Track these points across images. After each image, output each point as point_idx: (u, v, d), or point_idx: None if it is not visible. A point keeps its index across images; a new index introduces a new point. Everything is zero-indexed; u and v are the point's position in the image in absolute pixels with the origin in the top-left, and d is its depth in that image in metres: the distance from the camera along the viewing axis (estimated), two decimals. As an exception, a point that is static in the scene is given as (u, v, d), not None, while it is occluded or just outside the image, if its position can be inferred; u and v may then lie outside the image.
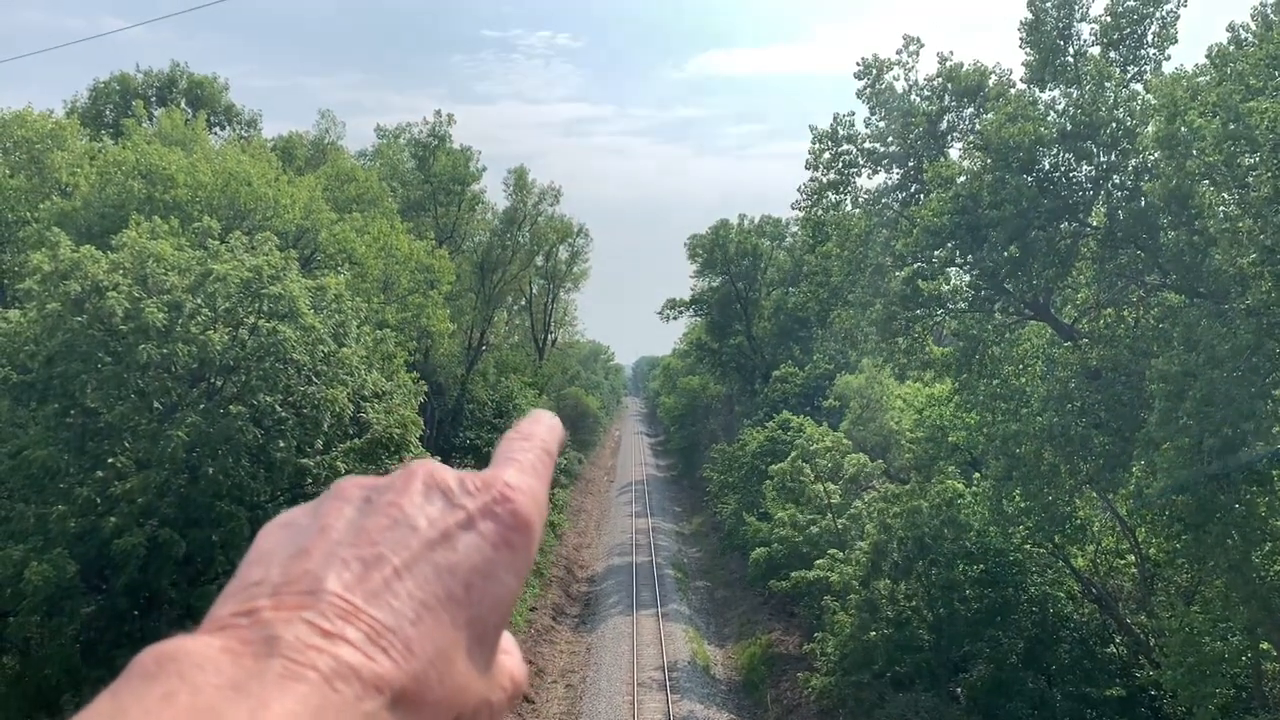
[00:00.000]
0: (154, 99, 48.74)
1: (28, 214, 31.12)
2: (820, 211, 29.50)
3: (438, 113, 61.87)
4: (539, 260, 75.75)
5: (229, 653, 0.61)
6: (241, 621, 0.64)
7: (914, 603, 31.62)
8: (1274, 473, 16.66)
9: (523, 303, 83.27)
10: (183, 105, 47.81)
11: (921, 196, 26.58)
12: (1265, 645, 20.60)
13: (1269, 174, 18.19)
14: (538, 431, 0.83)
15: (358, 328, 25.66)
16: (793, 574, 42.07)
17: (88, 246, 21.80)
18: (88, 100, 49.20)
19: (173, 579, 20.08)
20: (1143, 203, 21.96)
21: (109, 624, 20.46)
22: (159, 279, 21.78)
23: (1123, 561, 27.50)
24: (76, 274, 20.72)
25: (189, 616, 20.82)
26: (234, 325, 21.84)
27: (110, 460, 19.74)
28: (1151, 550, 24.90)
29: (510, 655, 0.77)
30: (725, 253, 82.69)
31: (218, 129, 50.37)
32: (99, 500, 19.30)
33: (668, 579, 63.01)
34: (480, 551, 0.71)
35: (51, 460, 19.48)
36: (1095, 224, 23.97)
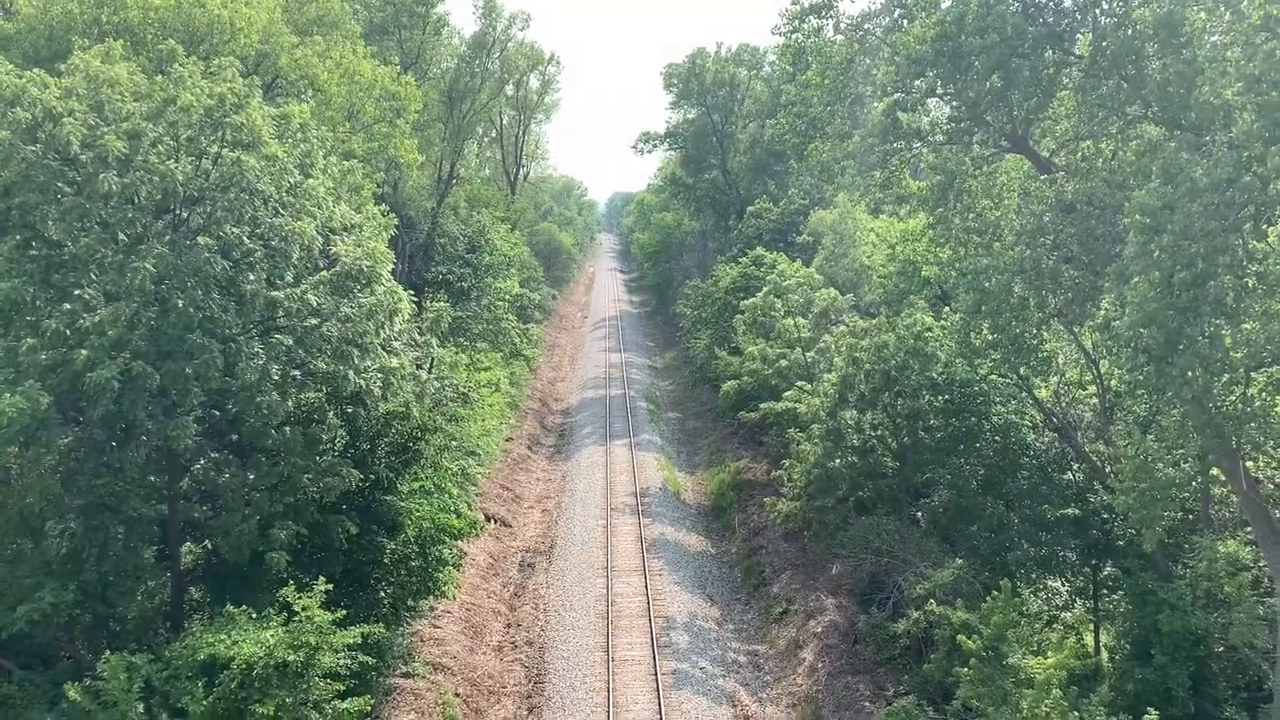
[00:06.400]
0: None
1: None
2: (801, 37, 28.46)
3: (399, -73, 58.42)
4: (509, 89, 73.34)
5: None
6: None
7: (879, 432, 32.47)
8: (1240, 305, 16.87)
9: (493, 134, 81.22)
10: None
11: (905, 23, 25.70)
12: (1215, 471, 21.39)
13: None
14: None
15: (324, 158, 24.98)
16: (761, 405, 43.01)
17: (36, 71, 20.82)
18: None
19: (148, 410, 20.13)
20: (1131, 31, 21.35)
21: (88, 454, 20.64)
22: (117, 106, 20.95)
23: (1084, 392, 28.20)
24: (24, 100, 19.86)
25: (167, 446, 21.06)
26: (196, 155, 21.16)
27: (77, 293, 19.47)
28: (1113, 381, 25.49)
29: None
30: (701, 83, 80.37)
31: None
32: (68, 333, 19.13)
33: (640, 410, 64.22)
34: None
35: (16, 293, 19.18)
36: (1080, 53, 23.37)
